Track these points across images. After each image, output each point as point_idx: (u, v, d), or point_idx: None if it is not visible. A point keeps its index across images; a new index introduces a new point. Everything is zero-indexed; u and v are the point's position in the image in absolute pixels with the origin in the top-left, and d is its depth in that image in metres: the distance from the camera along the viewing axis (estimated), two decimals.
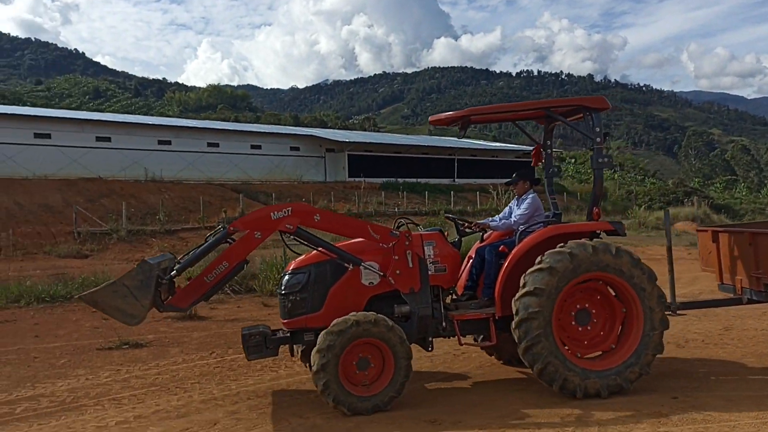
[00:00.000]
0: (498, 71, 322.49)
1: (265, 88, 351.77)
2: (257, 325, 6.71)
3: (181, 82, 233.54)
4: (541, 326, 5.90)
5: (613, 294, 6.43)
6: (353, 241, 6.61)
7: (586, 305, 6.39)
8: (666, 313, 6.49)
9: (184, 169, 42.15)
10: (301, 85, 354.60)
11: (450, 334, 6.47)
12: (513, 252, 6.44)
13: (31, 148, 36.69)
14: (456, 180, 54.17)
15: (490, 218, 7.31)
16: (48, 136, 37.72)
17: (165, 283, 5.98)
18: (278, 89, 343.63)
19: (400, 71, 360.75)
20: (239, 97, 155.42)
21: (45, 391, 6.93)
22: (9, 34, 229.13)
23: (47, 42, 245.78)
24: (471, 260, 6.97)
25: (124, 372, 7.70)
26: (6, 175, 34.40)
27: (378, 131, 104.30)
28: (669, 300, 6.96)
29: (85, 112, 70.04)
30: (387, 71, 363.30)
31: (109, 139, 40.07)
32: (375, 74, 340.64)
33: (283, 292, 6.47)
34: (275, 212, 6.26)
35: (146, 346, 9.07)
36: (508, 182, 7.31)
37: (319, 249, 6.38)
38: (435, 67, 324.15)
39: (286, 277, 6.53)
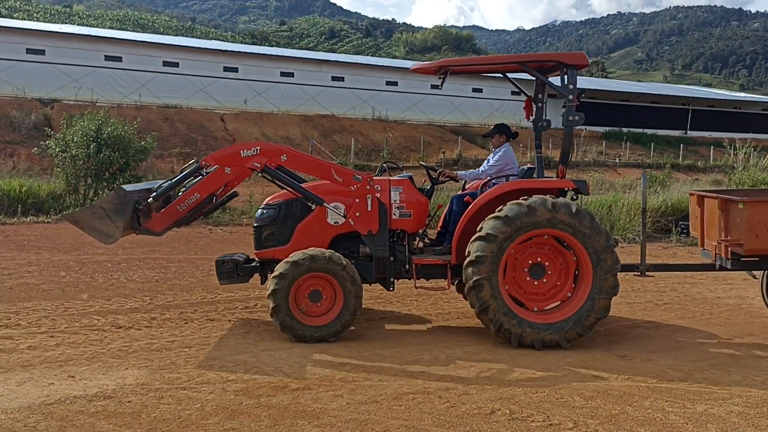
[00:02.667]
0: (754, 11, 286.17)
1: (490, 29, 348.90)
2: (233, 253, 7.27)
3: (408, 22, 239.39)
4: (488, 270, 6.09)
5: (570, 251, 6.44)
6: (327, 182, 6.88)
7: (540, 259, 6.49)
8: (634, 274, 7.13)
9: (408, 110, 44.16)
10: (527, 27, 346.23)
11: (412, 277, 6.76)
12: (472, 204, 6.62)
13: (277, 86, 40.89)
14: (688, 132, 50.34)
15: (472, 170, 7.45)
16: (291, 74, 41.67)
17: (142, 209, 6.35)
18: (503, 30, 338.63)
19: (637, 11, 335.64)
20: (463, 38, 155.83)
21: None
22: None
23: None
24: (447, 207, 7.23)
25: None
26: (256, 109, 38.91)
27: (606, 76, 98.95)
28: (639, 261, 7.36)
29: (321, 52, 75.47)
30: (622, 11, 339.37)
31: (342, 79, 43.19)
32: (608, 14, 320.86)
33: (255, 224, 7.00)
34: (244, 150, 6.69)
35: None
36: (486, 135, 7.61)
37: (287, 188, 6.84)
38: (678, 6, 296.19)
39: (260, 211, 7.06)
